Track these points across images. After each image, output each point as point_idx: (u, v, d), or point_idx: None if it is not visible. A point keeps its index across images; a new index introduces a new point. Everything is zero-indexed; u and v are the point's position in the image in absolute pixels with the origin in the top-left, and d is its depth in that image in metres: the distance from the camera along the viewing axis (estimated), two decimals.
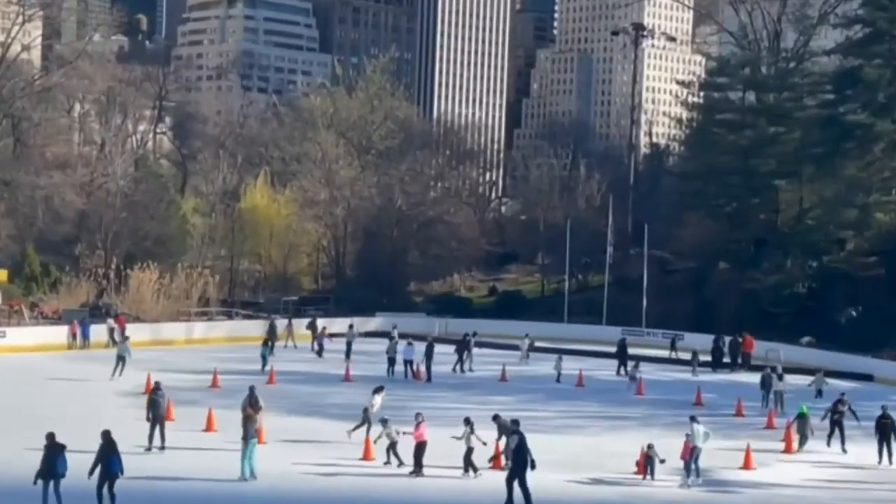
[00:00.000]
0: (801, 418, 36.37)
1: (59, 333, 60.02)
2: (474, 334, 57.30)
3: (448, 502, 28.90)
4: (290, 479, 29.81)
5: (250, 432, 29.24)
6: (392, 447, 31.17)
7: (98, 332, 59.96)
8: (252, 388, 34.77)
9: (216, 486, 28.74)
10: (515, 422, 28.68)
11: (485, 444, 30.94)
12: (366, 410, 34.37)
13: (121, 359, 47.81)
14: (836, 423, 36.89)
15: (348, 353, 56.82)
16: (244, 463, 28.92)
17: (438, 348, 53.59)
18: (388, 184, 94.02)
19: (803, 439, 36.23)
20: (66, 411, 38.59)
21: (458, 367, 54.47)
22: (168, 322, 67.94)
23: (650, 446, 30.95)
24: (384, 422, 31.56)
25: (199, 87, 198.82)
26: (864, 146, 76.53)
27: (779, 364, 47.65)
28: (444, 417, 38.35)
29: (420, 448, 30.04)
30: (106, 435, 25.85)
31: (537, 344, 62.15)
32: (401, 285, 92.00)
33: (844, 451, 36.16)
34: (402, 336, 57.13)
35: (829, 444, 36.69)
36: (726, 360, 60.15)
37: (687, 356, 59.85)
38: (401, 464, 30.86)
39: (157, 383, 34.03)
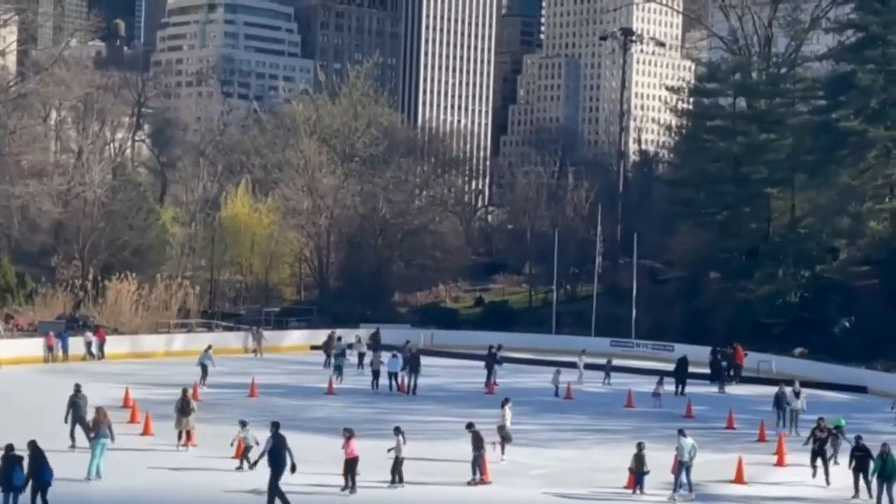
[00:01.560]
0: (836, 431, 35.48)
1: (35, 346, 58.99)
2: (499, 347, 56.06)
3: None
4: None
5: (102, 432, 30.08)
6: (247, 451, 30.98)
7: (75, 344, 59.11)
8: (184, 391, 35.60)
9: (196, 501, 28.45)
10: (275, 424, 28.07)
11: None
12: (501, 428, 34.43)
13: (203, 367, 49.64)
14: (818, 454, 33.08)
15: (333, 364, 55.58)
16: (93, 462, 29.56)
17: (424, 360, 53.03)
18: (371, 192, 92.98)
19: (835, 455, 35.07)
20: (39, 425, 37.05)
21: (492, 381, 53.10)
22: (147, 334, 67.50)
23: (640, 445, 30.42)
24: (243, 424, 31.57)
25: (178, 93, 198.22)
26: (858, 153, 75.74)
27: (796, 381, 45.10)
28: (430, 431, 38.74)
29: (350, 464, 29.04)
30: (33, 445, 25.96)
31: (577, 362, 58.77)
32: (385, 296, 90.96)
33: (828, 482, 32.62)
34: (389, 347, 56.31)
35: (813, 474, 33.32)
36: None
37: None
38: (250, 466, 30.00)
39: (77, 385, 35.41)
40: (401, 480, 30.07)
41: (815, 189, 78.36)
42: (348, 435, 29.38)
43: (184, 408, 34.66)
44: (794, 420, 41.74)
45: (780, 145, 79.33)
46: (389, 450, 30.28)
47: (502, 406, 35.05)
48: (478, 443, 30.72)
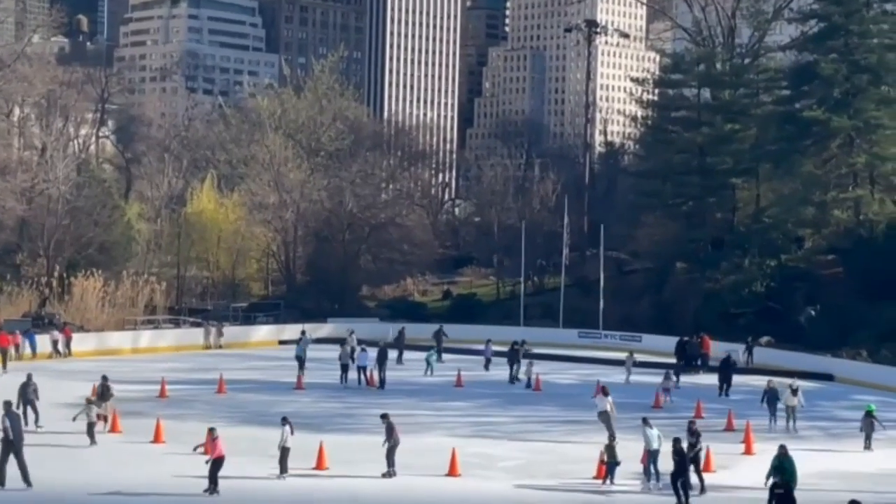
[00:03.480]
0: (868, 416, 36.38)
1: None
2: (523, 343, 55.70)
3: None
4: (237, 491, 28.78)
5: None
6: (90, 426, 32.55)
7: (41, 342, 58.82)
8: (104, 377, 38.00)
9: (166, 499, 28.08)
10: (7, 403, 28.83)
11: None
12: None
13: (299, 359, 51.52)
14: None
15: (301, 365, 55.54)
16: None
17: (392, 354, 53.45)
18: (338, 186, 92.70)
19: (868, 439, 36.21)
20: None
21: (512, 377, 52.85)
22: (113, 331, 67.12)
23: (612, 437, 30.54)
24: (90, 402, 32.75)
25: (142, 88, 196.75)
26: (821, 143, 76.02)
27: (795, 378, 43.83)
28: (399, 424, 37.62)
29: (216, 464, 28.34)
30: None
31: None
32: (353, 290, 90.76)
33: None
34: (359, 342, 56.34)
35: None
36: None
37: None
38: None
39: (28, 375, 38.32)
40: (285, 470, 29.93)
41: (780, 179, 78.76)
42: (215, 436, 28.66)
43: (103, 393, 36.86)
44: (790, 416, 40.13)
45: (745, 136, 79.71)
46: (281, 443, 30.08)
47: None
48: (391, 433, 30.60)
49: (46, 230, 79.86)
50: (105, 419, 36.54)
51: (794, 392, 40.13)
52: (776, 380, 42.62)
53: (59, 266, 77.40)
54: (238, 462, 30.71)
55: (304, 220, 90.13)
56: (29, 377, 37.88)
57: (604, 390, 36.64)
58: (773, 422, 40.14)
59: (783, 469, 26.29)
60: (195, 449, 29.87)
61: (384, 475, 30.28)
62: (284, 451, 29.86)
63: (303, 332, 59.38)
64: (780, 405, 40.29)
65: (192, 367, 55.85)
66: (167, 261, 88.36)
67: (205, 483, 28.02)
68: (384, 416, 31.31)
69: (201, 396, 46.06)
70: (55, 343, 59.06)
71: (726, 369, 50.59)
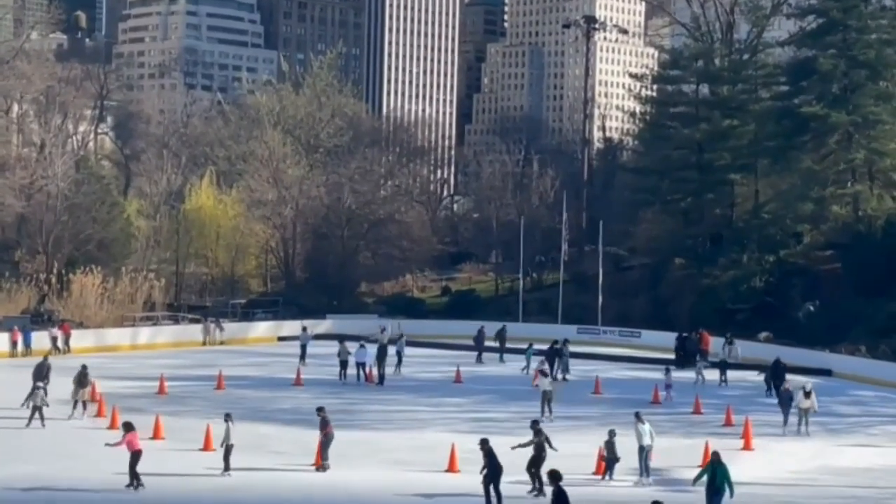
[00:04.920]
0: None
1: (0, 341, 58.46)
2: (565, 342, 54.86)
3: None
4: (234, 486, 28.98)
5: None
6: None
7: (40, 339, 58.79)
8: (83, 366, 39.59)
9: (166, 494, 28.11)
10: None
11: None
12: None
13: (303, 348, 55.63)
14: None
15: (303, 356, 56.15)
16: None
17: (391, 350, 52.90)
18: (337, 183, 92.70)
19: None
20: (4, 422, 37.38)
21: (554, 375, 51.53)
22: (112, 328, 67.10)
23: (612, 433, 30.36)
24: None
25: (141, 85, 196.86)
26: (820, 138, 76.06)
27: (809, 381, 42.24)
28: (398, 420, 37.96)
29: (135, 458, 28.39)
30: None
31: None
32: (351, 287, 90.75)
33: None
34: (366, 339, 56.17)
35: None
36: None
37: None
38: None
39: (46, 355, 41.96)
40: (228, 469, 29.61)
41: (778, 174, 78.73)
42: (130, 429, 28.63)
43: (81, 380, 38.71)
44: (802, 419, 38.83)
45: (743, 131, 79.65)
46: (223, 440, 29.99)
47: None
48: (324, 427, 30.69)
49: (45, 227, 79.94)
50: (84, 405, 38.69)
51: (808, 395, 38.87)
52: (792, 381, 41.86)
53: (57, 263, 77.51)
54: (237, 458, 30.78)
55: (302, 217, 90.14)
56: (45, 357, 42.47)
57: (542, 372, 41.42)
58: (786, 424, 38.94)
59: (715, 476, 25.40)
60: (107, 445, 29.69)
61: (318, 469, 30.37)
62: (228, 449, 29.69)
63: (303, 329, 59.78)
64: (792, 408, 39.14)
65: (191, 364, 55.87)
66: (166, 257, 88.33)
67: (208, 480, 28.08)
68: (320, 410, 31.36)
69: (200, 393, 46.11)
70: (54, 340, 59.10)
71: (777, 370, 47.99)
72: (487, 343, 60.92)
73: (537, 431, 29.07)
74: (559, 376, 52.06)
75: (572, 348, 56.03)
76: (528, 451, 28.75)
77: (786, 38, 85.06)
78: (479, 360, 58.87)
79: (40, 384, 38.58)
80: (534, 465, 28.54)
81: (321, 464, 30.58)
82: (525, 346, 57.15)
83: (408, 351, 58.99)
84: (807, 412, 38.64)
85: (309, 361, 55.30)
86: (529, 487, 28.31)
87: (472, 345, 60.92)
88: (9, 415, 38.42)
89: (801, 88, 77.91)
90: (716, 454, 26.02)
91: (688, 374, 53.04)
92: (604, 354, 62.60)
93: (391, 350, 53.48)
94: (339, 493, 28.76)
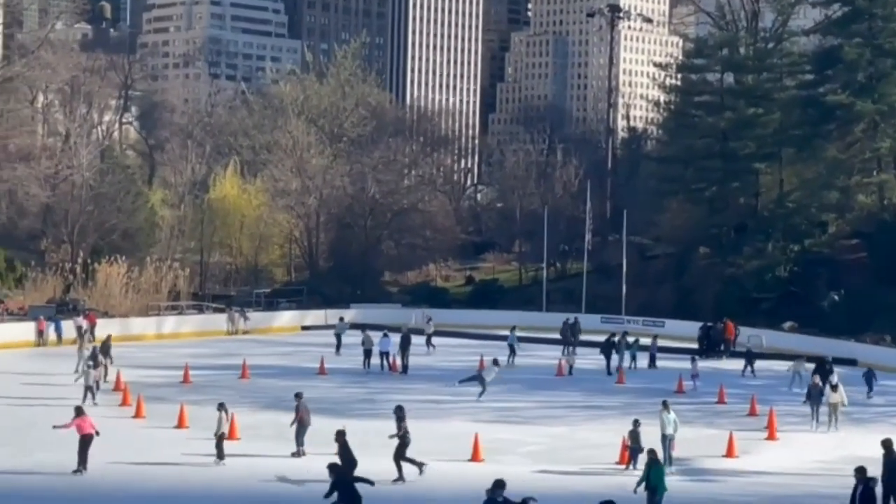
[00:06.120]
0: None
1: (26, 330, 59.03)
2: (625, 334, 54.34)
3: (420, 497, 27.61)
4: (258, 473, 29.09)
5: None
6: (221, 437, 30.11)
7: (66, 328, 59.05)
8: (94, 347, 43.07)
9: (189, 483, 28.17)
10: None
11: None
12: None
13: (338, 337, 56.37)
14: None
15: (339, 346, 56.37)
16: None
17: (415, 339, 53.02)
18: (360, 172, 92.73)
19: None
20: (34, 410, 37.73)
21: (611, 370, 51.48)
22: (137, 317, 67.16)
23: (636, 422, 30.21)
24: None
25: (165, 75, 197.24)
26: (845, 127, 75.75)
27: (834, 374, 41.52)
28: (421, 409, 38.46)
29: (84, 442, 28.46)
30: None
31: None
32: (375, 276, 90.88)
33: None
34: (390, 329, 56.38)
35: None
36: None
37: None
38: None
39: (108, 336, 44.67)
40: (221, 457, 29.61)
41: (803, 163, 78.47)
42: (80, 413, 28.80)
43: (95, 359, 40.95)
44: (832, 414, 37.36)
45: (768, 120, 79.27)
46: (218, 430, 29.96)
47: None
48: (297, 413, 30.89)
49: (70, 216, 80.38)
50: (94, 389, 39.14)
51: (835, 388, 37.74)
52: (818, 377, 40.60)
53: (83, 252, 77.84)
54: (262, 446, 30.96)
55: (326, 206, 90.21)
56: (108, 338, 46.99)
57: (495, 361, 43.03)
58: (816, 420, 37.73)
59: (648, 476, 24.72)
60: (55, 427, 29.54)
61: (293, 454, 30.52)
62: (221, 437, 29.79)
63: (340, 319, 60.43)
64: (823, 404, 38.00)
65: (215, 353, 56.04)
66: (190, 247, 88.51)
67: (232, 468, 28.16)
68: (297, 395, 31.55)
69: (225, 382, 46.23)
70: (80, 329, 59.30)
71: (822, 366, 45.43)
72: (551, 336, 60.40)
73: (400, 418, 29.10)
74: (627, 365, 51.26)
75: (602, 339, 55.75)
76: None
77: (811, 26, 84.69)
78: (571, 352, 56.74)
79: (90, 363, 39.85)
80: (400, 452, 28.62)
81: (297, 450, 30.82)
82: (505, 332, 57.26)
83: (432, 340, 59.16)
84: (835, 407, 37.36)
85: (332, 351, 55.28)
86: (395, 476, 28.37)
87: (560, 338, 59.41)
88: (38, 403, 38.76)
89: (827, 77, 77.59)
90: (651, 452, 25.34)
91: (705, 364, 52.99)
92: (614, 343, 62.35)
93: (415, 339, 53.42)
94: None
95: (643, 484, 24.67)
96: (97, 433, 28.79)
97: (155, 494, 27.19)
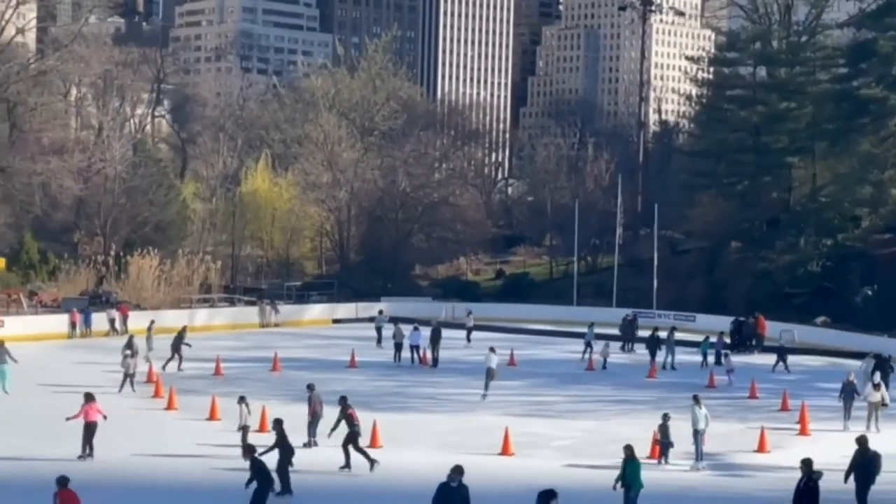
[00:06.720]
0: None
1: (59, 322, 59.53)
2: (673, 329, 53.75)
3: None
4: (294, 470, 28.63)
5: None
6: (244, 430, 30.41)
7: (98, 320, 59.76)
8: (130, 335, 45.38)
9: (216, 474, 28.23)
10: None
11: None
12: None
13: (378, 330, 56.90)
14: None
15: (379, 339, 56.54)
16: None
17: (445, 333, 52.87)
18: (391, 166, 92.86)
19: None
20: (67, 401, 37.60)
21: (663, 365, 50.83)
22: (169, 309, 67.21)
23: (666, 416, 30.19)
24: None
25: (197, 68, 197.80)
26: (879, 121, 75.12)
27: (877, 374, 39.78)
28: (451, 402, 38.16)
29: (89, 429, 28.86)
30: None
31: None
32: (405, 269, 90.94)
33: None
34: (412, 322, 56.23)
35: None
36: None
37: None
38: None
39: (184, 327, 48.17)
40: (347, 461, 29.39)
41: (836, 157, 77.89)
42: (90, 400, 29.16)
43: (130, 347, 42.41)
44: (872, 413, 35.95)
45: (801, 114, 78.76)
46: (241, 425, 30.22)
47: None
48: (310, 405, 31.07)
49: (103, 209, 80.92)
50: (132, 377, 40.64)
51: (877, 387, 36.29)
52: (853, 370, 40.39)
53: (115, 245, 78.35)
54: (292, 438, 30.90)
55: (357, 200, 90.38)
56: (183, 329, 48.84)
57: (492, 349, 42.20)
58: (848, 419, 36.20)
59: (624, 473, 24.20)
60: (67, 419, 29.90)
61: (305, 445, 30.55)
62: (245, 430, 29.96)
63: (380, 312, 60.95)
64: (861, 399, 36.84)
65: (246, 346, 56.25)
66: (222, 240, 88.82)
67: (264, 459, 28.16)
68: (310, 387, 31.65)
69: (256, 374, 46.43)
70: (112, 321, 59.82)
71: (884, 363, 44.63)
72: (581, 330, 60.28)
73: (344, 407, 29.17)
74: (669, 366, 50.77)
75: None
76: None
77: (845, 19, 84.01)
78: (630, 349, 56.63)
79: (128, 352, 40.91)
80: (350, 441, 28.74)
81: (308, 440, 30.97)
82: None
83: (461, 334, 59.17)
84: (876, 406, 35.93)
85: (360, 345, 55.31)
86: (342, 463, 28.59)
87: (619, 334, 58.97)
88: (69, 392, 38.95)
89: (861, 71, 77.01)
90: (628, 449, 24.60)
91: (744, 359, 52.74)
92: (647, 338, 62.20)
93: (446, 333, 53.37)
94: (392, 475, 28.80)
95: (620, 481, 24.32)
96: (104, 417, 29.30)
97: (182, 486, 27.35)
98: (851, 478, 25.50)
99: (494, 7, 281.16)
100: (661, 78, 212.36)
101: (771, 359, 52.32)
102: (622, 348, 57.14)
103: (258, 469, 23.22)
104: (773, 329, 59.88)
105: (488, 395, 40.62)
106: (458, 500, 19.84)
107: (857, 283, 69.58)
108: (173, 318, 64.53)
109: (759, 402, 41.92)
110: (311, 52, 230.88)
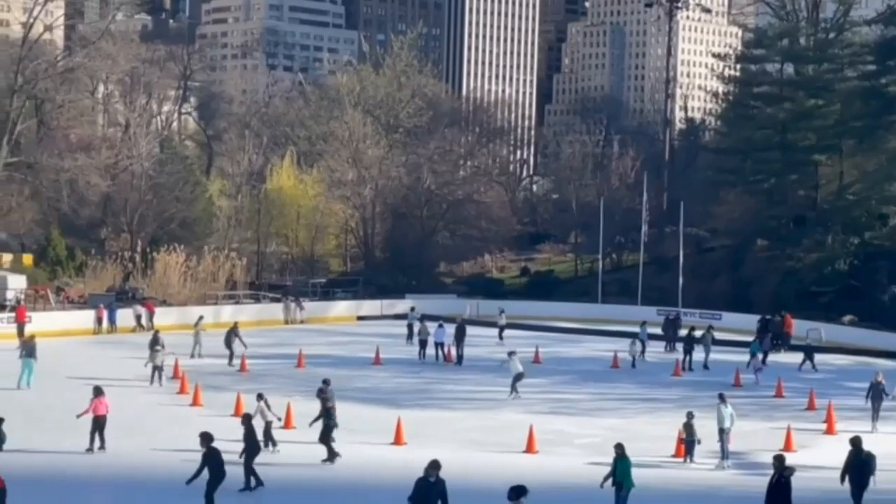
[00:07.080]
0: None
1: (86, 318, 59.81)
2: (709, 328, 53.16)
3: (476, 489, 27.56)
4: (314, 464, 29.13)
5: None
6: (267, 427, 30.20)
7: (124, 316, 59.94)
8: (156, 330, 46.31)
9: (240, 470, 27.59)
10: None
11: (279, 419, 31.23)
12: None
13: (409, 328, 56.31)
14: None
15: (410, 335, 56.54)
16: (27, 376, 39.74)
17: (470, 330, 52.83)
18: (416, 163, 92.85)
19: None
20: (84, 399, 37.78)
21: (689, 366, 50.16)
22: (195, 305, 67.23)
23: (690, 414, 30.10)
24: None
25: (223, 66, 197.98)
26: None
27: None
28: (475, 400, 38.20)
29: (97, 423, 28.92)
30: None
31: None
32: (430, 266, 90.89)
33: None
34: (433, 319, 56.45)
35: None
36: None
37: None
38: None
39: (235, 323, 48.53)
40: (274, 444, 29.80)
41: (864, 155, 77.46)
42: (98, 394, 29.17)
43: (154, 344, 42.51)
44: None
45: (828, 111, 78.39)
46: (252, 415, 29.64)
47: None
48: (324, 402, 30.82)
49: (130, 206, 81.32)
50: (160, 371, 41.33)
51: None
52: (882, 370, 39.67)
53: (141, 241, 78.66)
54: (313, 434, 30.94)
55: (382, 197, 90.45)
56: (235, 325, 49.31)
57: (511, 353, 41.54)
58: (877, 420, 35.75)
59: (615, 472, 23.91)
60: (78, 416, 29.89)
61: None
62: (268, 426, 29.95)
63: (411, 309, 61.10)
64: (890, 399, 36.27)
65: (271, 342, 56.24)
66: (247, 236, 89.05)
67: (287, 456, 28.26)
68: (325, 382, 31.54)
69: (281, 371, 46.56)
70: (138, 317, 60.11)
71: None
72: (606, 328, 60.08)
73: (323, 400, 29.30)
74: (703, 365, 50.17)
75: (658, 330, 55.24)
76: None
77: (873, 16, 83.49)
78: (673, 348, 55.60)
79: (158, 347, 41.31)
80: (324, 432, 28.88)
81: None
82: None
83: (486, 331, 59.16)
84: None
85: (385, 341, 55.43)
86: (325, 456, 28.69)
87: (662, 333, 58.28)
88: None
89: (889, 68, 76.64)
90: (618, 447, 24.18)
91: (770, 357, 52.39)
92: (683, 336, 61.98)
93: (471, 330, 53.32)
94: (416, 472, 28.71)
95: (610, 479, 24.04)
96: (108, 411, 29.43)
97: (199, 481, 27.34)
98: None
99: (520, 4, 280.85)
100: (688, 75, 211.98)
101: (797, 357, 52.06)
102: (666, 348, 56.35)
103: (209, 459, 23.58)
104: (799, 328, 59.39)
105: (519, 394, 40.37)
106: (435, 494, 19.82)
107: (885, 282, 69.22)
108: (198, 315, 64.85)
109: (785, 400, 41.73)
110: (336, 49, 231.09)
